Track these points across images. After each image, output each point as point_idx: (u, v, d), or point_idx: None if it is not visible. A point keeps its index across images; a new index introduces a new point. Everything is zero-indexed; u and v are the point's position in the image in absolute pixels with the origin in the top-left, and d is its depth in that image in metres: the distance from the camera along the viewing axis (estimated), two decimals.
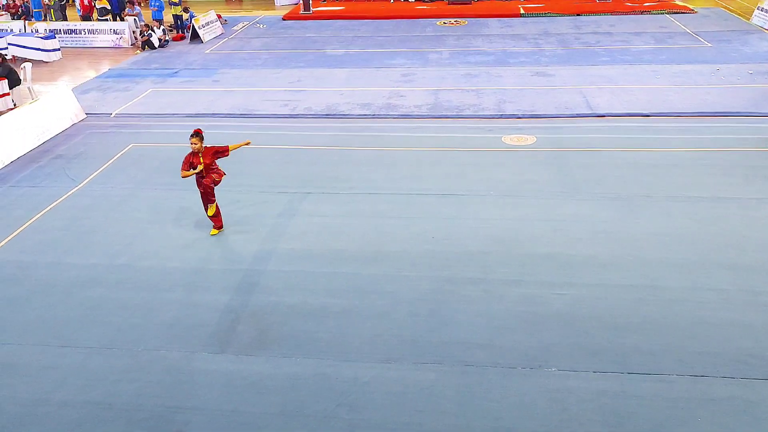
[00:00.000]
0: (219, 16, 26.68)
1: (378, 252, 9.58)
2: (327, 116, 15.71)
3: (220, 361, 7.46)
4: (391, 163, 12.73)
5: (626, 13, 26.39)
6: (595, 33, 23.49)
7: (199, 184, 9.95)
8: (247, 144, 10.36)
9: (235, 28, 26.88)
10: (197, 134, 9.59)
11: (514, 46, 22.04)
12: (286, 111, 16.14)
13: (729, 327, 7.70)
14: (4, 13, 27.79)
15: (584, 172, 11.95)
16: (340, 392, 6.95)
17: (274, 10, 31.33)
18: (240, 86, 18.41)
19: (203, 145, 9.70)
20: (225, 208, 11.04)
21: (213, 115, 16.05)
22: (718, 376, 6.97)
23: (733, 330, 7.65)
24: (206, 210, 10.15)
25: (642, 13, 26.39)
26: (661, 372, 7.06)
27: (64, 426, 6.61)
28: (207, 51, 23.03)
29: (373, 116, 15.57)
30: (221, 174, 9.98)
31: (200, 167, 9.68)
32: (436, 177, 11.99)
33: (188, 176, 9.72)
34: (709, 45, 21.10)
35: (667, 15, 25.97)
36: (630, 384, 6.92)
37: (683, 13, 26.15)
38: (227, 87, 18.40)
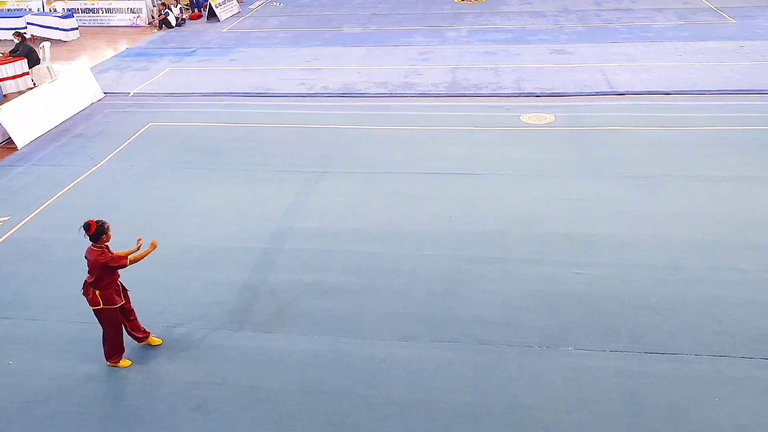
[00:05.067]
0: None
1: (396, 231, 9.59)
2: (344, 95, 15.66)
3: (239, 338, 7.55)
4: (408, 142, 12.69)
5: None
6: (616, 9, 23.07)
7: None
8: (153, 248, 7.10)
9: (251, 6, 26.76)
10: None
11: (533, 24, 21.73)
12: (303, 90, 16.10)
13: (748, 307, 7.64)
14: None
15: (604, 151, 11.82)
16: (357, 369, 7.01)
17: None
18: (257, 65, 18.38)
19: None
20: (243, 187, 11.10)
21: (230, 94, 16.06)
22: (737, 356, 6.92)
23: (752, 310, 7.58)
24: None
25: None
26: (679, 352, 7.03)
27: (89, 399, 6.75)
28: (224, 30, 22.98)
29: (391, 95, 15.49)
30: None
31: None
32: (454, 156, 11.93)
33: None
34: (733, 21, 20.64)
35: None
36: (647, 363, 6.90)
37: None
38: (244, 66, 18.38)
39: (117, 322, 6.98)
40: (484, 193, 10.58)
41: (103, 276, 6.77)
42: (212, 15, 24.31)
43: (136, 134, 13.63)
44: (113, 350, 7.11)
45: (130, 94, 16.37)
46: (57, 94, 14.74)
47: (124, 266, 6.77)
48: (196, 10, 25.52)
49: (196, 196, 10.88)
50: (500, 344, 7.27)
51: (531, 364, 6.98)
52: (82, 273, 8.83)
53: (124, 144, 13.16)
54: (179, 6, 24.47)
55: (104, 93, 16.27)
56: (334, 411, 6.49)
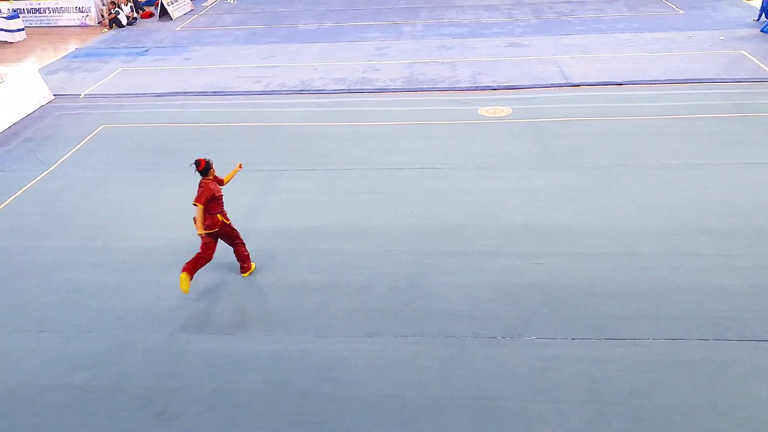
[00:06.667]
0: None
1: (357, 227, 9.57)
2: (301, 92, 15.55)
3: (201, 341, 7.44)
4: (367, 137, 12.67)
5: None
6: (569, 2, 23.42)
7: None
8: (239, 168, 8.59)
9: (204, 4, 26.35)
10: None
11: (488, 17, 21.91)
12: (259, 87, 15.93)
13: (703, 291, 7.85)
14: None
15: (560, 142, 12.00)
16: (322, 367, 6.98)
17: None
18: (212, 63, 18.10)
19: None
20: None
21: (185, 93, 15.79)
22: (693, 338, 7.11)
23: (707, 293, 7.80)
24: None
25: None
26: (637, 337, 7.19)
27: (48, 410, 6.57)
28: (177, 28, 22.58)
29: (348, 91, 15.43)
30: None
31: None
32: (414, 151, 11.96)
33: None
34: (681, 12, 21.17)
35: None
36: (607, 349, 7.03)
37: None
38: (199, 64, 18.09)
39: (213, 247, 8.02)
40: (444, 187, 10.63)
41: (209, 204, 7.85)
42: (164, 13, 23.85)
43: (89, 137, 13.29)
44: (196, 265, 7.92)
45: (81, 96, 15.96)
46: (3, 97, 14.27)
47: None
48: (143, 10, 24.93)
49: (152, 199, 10.67)
50: (464, 336, 7.33)
51: (495, 354, 7.05)
52: (37, 281, 8.64)
53: (77, 147, 12.82)
54: (130, 4, 23.93)
55: (54, 95, 15.83)
56: (299, 410, 6.45)
